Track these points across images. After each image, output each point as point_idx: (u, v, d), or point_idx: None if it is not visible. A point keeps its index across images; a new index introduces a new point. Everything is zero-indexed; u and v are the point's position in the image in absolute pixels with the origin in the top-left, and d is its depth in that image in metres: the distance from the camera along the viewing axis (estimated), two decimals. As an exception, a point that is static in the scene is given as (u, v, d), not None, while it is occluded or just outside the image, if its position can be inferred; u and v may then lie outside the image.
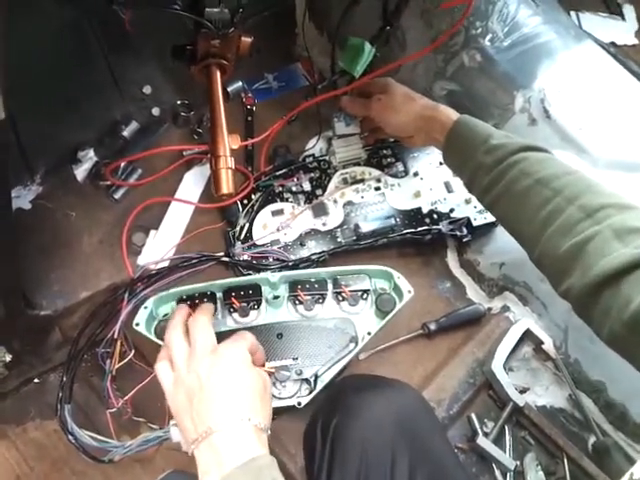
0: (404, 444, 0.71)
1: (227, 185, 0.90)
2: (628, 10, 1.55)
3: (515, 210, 0.77)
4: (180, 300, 0.87)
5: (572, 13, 1.46)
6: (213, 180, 0.91)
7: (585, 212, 0.68)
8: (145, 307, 0.84)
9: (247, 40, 0.93)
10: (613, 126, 1.01)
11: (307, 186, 1.05)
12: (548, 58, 1.03)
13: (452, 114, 0.89)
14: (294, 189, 1.05)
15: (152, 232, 0.96)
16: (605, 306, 0.63)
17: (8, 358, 0.90)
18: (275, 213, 1.02)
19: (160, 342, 0.83)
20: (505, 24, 1.03)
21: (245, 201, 1.01)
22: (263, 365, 0.75)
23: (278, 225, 1.00)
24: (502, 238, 1.04)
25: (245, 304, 0.87)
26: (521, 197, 0.76)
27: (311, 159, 1.08)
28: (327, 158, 1.08)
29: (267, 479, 0.56)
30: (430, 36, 1.06)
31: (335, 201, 1.04)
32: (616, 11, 1.54)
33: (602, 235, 0.65)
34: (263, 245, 0.99)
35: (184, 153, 1.03)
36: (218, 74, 0.93)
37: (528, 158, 0.77)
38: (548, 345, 1.00)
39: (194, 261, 0.94)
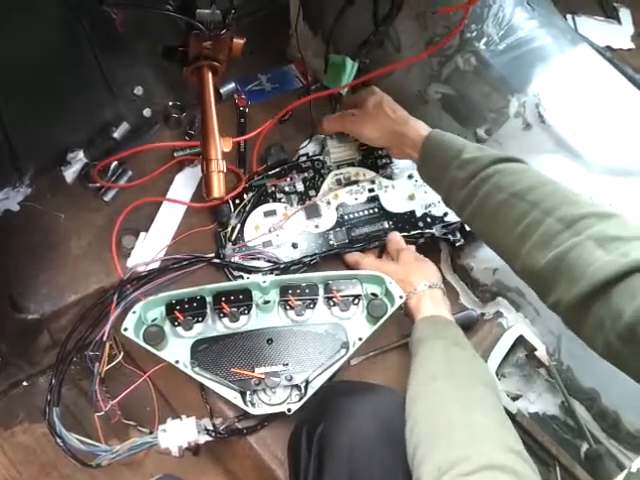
0: (391, 450, 0.70)
1: (218, 189, 0.89)
2: (624, 14, 1.54)
3: (492, 225, 0.76)
4: (169, 305, 0.86)
5: (568, 16, 1.46)
6: (204, 183, 0.90)
7: (564, 223, 0.67)
8: (133, 312, 0.83)
9: (239, 41, 0.92)
10: (608, 131, 1.00)
11: (300, 186, 1.04)
12: (543, 62, 1.03)
13: (422, 129, 0.88)
14: (287, 189, 1.04)
15: (142, 234, 0.95)
16: (597, 318, 0.62)
17: (-4, 361, 0.90)
18: (267, 214, 1.01)
19: (149, 347, 0.83)
20: (500, 27, 1.02)
21: (237, 201, 1.00)
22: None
23: (270, 226, 0.99)
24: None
25: (235, 309, 0.86)
26: (496, 212, 0.75)
27: (305, 159, 1.07)
28: (321, 158, 1.07)
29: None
30: (425, 39, 1.06)
31: (328, 203, 1.03)
32: (612, 15, 1.53)
33: (583, 245, 0.64)
34: (255, 247, 0.98)
35: (175, 154, 1.03)
36: (210, 75, 0.92)
37: (501, 171, 0.76)
38: (541, 352, 0.99)
39: (184, 262, 0.93)
